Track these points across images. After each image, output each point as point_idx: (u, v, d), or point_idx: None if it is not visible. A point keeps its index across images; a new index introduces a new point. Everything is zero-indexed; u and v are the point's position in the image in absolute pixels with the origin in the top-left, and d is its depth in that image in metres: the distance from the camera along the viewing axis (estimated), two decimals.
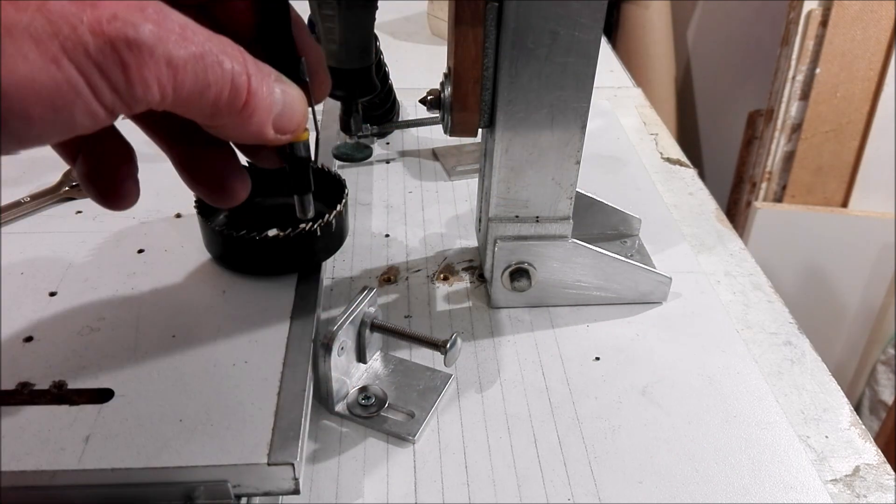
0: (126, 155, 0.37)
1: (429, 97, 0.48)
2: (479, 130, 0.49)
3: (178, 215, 0.56)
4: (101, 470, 0.35)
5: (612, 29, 1.77)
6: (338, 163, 0.67)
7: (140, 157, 0.64)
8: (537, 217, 0.50)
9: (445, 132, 0.48)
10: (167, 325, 0.45)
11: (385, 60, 0.69)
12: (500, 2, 0.42)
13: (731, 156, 1.70)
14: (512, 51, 0.43)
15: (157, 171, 0.62)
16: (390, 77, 0.71)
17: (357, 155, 0.69)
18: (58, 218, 0.56)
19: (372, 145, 0.74)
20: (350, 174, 0.69)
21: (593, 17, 0.42)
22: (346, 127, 0.62)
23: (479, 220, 0.55)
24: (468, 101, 0.46)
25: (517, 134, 0.46)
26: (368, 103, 0.70)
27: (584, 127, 0.46)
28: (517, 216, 0.50)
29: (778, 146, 1.45)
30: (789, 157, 1.46)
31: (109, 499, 0.36)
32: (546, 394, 0.46)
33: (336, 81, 0.54)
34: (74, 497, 0.36)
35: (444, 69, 0.48)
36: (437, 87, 0.48)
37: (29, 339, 0.43)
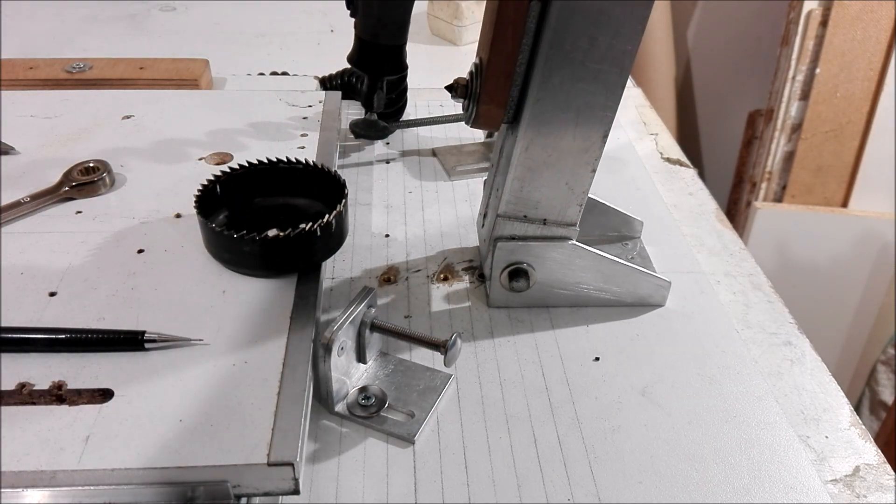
0: None
1: (457, 85, 0.48)
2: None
3: (178, 215, 0.56)
4: (101, 470, 0.35)
5: None
6: (341, 150, 0.66)
7: (140, 156, 0.64)
8: (545, 220, 0.50)
9: (467, 123, 0.48)
10: (167, 325, 0.45)
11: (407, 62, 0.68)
12: (545, 1, 0.42)
13: (731, 156, 1.70)
14: (549, 50, 0.43)
15: (156, 172, 0.62)
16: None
17: (375, 133, 0.68)
18: (58, 218, 0.56)
19: (372, 145, 0.74)
20: (350, 174, 0.69)
21: (633, 28, 0.42)
22: (368, 102, 0.61)
23: (484, 216, 0.55)
24: (496, 95, 0.45)
25: (539, 134, 0.46)
26: (394, 95, 0.69)
27: (606, 135, 0.46)
28: (526, 216, 0.50)
29: (778, 146, 1.45)
30: (789, 157, 1.46)
31: (109, 499, 0.36)
32: (546, 394, 0.46)
33: (367, 55, 0.53)
34: (74, 497, 0.36)
35: (443, 69, 0.48)
36: (465, 76, 0.48)
37: None
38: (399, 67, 0.52)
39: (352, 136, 0.70)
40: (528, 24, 0.43)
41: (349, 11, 0.55)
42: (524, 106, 0.45)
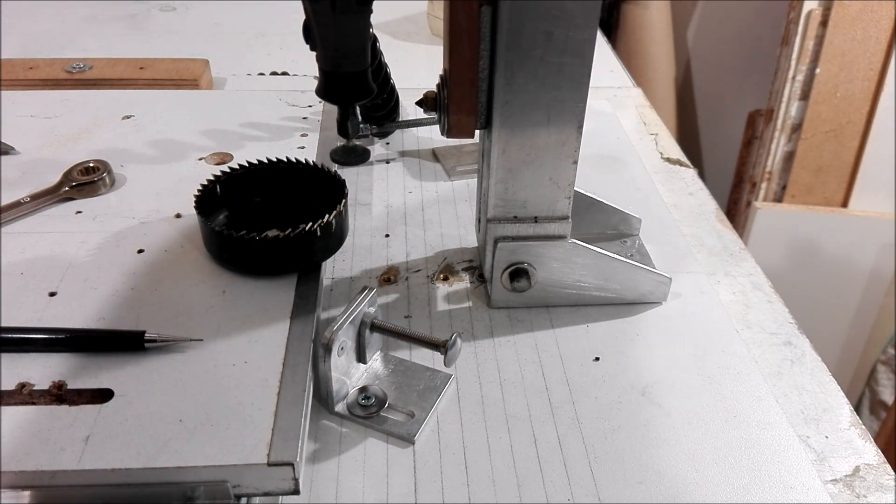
0: None
1: (426, 99, 0.48)
2: (476, 131, 0.49)
3: (178, 215, 0.56)
4: (101, 470, 0.35)
5: (612, 29, 1.77)
6: (336, 165, 0.67)
7: (140, 158, 0.64)
8: (536, 217, 0.50)
9: (442, 134, 0.48)
10: (167, 325, 0.45)
11: (385, 61, 0.69)
12: (495, 4, 0.42)
13: (731, 156, 1.70)
14: (507, 53, 0.43)
15: (156, 172, 0.62)
16: (392, 78, 0.71)
17: (355, 159, 0.69)
18: (58, 218, 0.56)
19: (371, 146, 0.74)
20: (350, 174, 0.69)
21: (587, 16, 0.42)
22: (342, 131, 0.62)
23: (479, 221, 0.55)
24: (464, 103, 0.46)
25: (514, 135, 0.46)
26: (372, 104, 0.70)
27: (580, 127, 0.46)
28: (516, 216, 0.50)
29: (778, 146, 1.45)
30: (789, 157, 1.46)
31: (109, 499, 0.36)
32: (546, 394, 0.46)
33: (333, 86, 0.53)
34: (74, 497, 0.36)
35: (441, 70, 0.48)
36: (434, 88, 0.48)
37: None
38: (367, 91, 0.52)
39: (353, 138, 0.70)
40: (482, 29, 0.43)
41: (308, 45, 0.55)
42: (493, 110, 0.46)
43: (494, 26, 0.43)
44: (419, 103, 0.49)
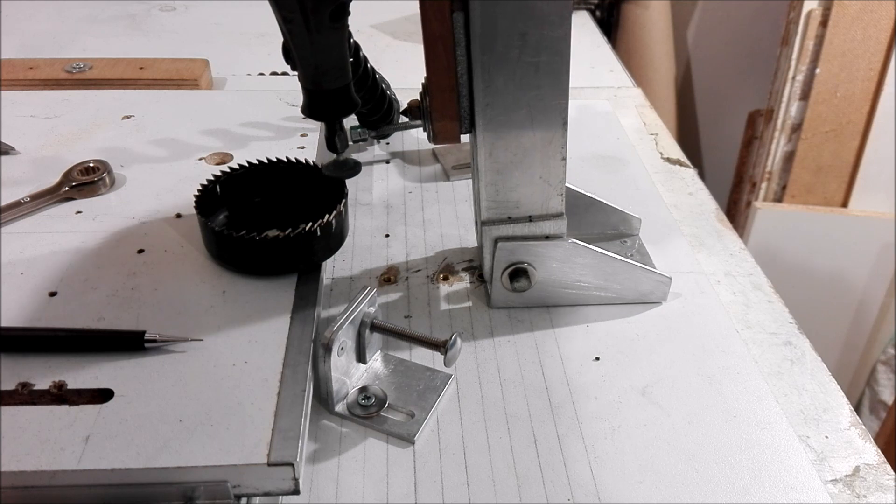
0: None
1: (410, 108, 0.48)
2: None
3: (179, 215, 0.56)
4: (101, 470, 0.35)
5: (612, 29, 1.77)
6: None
7: (140, 158, 0.64)
8: (530, 216, 0.50)
9: (429, 140, 0.48)
10: (167, 325, 0.45)
11: (373, 66, 0.69)
12: (466, 9, 0.42)
13: (731, 156, 1.70)
14: (483, 56, 0.43)
15: (156, 171, 0.62)
16: (384, 80, 0.71)
17: (346, 172, 0.69)
18: (58, 218, 0.56)
19: (370, 147, 0.74)
20: None
21: (560, 13, 0.42)
22: (331, 146, 0.62)
23: (477, 222, 0.55)
24: (447, 110, 0.46)
25: (499, 136, 0.46)
26: (366, 109, 0.69)
27: (565, 123, 0.46)
28: (510, 217, 0.50)
29: (778, 146, 1.45)
30: (789, 157, 1.46)
31: (109, 499, 0.36)
32: (546, 394, 0.46)
33: (316, 104, 0.53)
34: (74, 497, 0.36)
35: None
36: (418, 97, 0.48)
37: None
38: (351, 106, 0.52)
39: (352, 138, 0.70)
40: (457, 35, 0.43)
41: (290, 65, 0.55)
42: (476, 113, 0.46)
43: (468, 31, 0.43)
44: (404, 112, 0.49)
